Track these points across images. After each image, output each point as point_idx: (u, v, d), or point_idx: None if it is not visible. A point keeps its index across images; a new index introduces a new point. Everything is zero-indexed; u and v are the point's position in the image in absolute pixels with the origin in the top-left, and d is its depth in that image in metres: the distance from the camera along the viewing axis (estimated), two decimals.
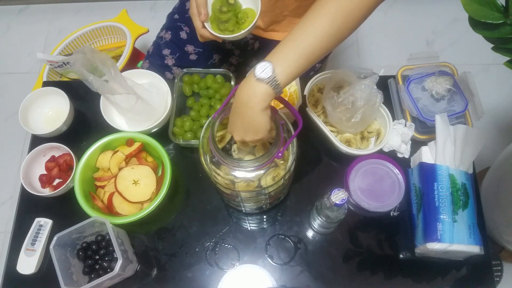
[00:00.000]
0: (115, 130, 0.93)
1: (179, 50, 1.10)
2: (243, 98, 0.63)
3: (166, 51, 1.10)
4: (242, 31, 0.80)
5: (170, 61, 1.10)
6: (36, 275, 0.87)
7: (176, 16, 1.11)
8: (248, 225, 0.92)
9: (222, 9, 0.83)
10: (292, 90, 0.95)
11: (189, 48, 1.09)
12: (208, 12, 0.83)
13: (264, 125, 0.65)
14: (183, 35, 1.09)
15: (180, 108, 1.00)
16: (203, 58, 1.10)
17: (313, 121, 0.93)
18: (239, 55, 1.12)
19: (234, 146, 0.79)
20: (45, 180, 0.94)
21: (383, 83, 1.01)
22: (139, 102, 0.89)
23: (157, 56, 1.12)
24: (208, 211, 0.92)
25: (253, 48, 1.11)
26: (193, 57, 1.10)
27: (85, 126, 1.02)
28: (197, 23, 0.82)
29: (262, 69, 0.61)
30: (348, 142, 0.93)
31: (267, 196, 0.80)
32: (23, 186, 0.91)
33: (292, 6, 0.96)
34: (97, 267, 0.84)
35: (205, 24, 0.82)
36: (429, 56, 0.96)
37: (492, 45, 0.71)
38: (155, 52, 1.13)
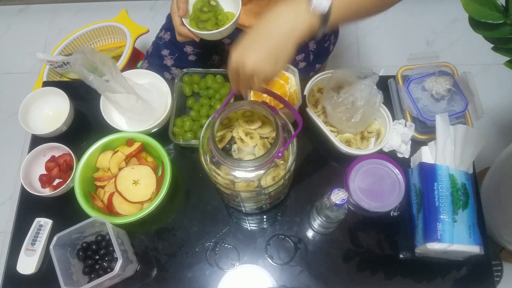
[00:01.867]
0: (115, 130, 0.93)
1: (178, 50, 1.10)
2: (285, 24, 0.57)
3: (165, 52, 1.10)
4: (220, 29, 0.80)
5: (169, 62, 1.10)
6: (36, 275, 0.87)
7: None
8: (248, 225, 0.92)
9: (203, 9, 0.84)
10: (292, 90, 0.95)
11: (188, 49, 1.09)
12: (189, 10, 0.83)
13: (289, 58, 0.59)
14: None
15: (180, 108, 1.00)
16: (202, 59, 1.10)
17: (313, 121, 0.93)
18: None
19: (234, 146, 0.79)
20: (45, 180, 0.94)
21: (383, 83, 1.01)
22: (139, 102, 0.89)
23: (156, 56, 1.12)
24: (208, 211, 0.92)
25: None
26: (192, 57, 1.10)
27: (85, 126, 1.02)
28: (176, 19, 0.81)
29: (321, 2, 0.56)
30: (348, 142, 0.93)
31: (267, 196, 0.80)
32: (23, 186, 0.91)
33: None
34: (97, 267, 0.84)
35: (184, 20, 0.81)
36: (429, 56, 0.96)
37: (492, 45, 0.71)
38: (154, 53, 1.13)
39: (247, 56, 0.58)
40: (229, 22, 0.82)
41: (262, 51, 0.58)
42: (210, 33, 0.81)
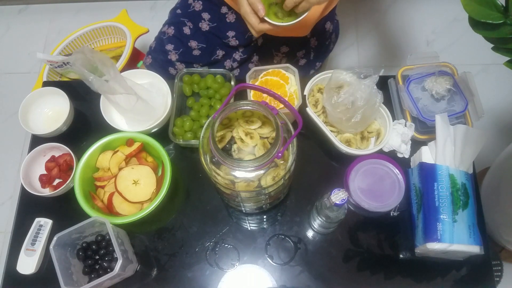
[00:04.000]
0: (115, 130, 0.93)
1: (183, 45, 1.09)
2: None
3: (169, 46, 1.10)
4: (301, 16, 0.77)
5: (173, 57, 1.10)
6: (36, 275, 0.87)
7: (179, 11, 1.11)
8: (248, 225, 0.92)
9: (270, 1, 0.79)
10: (292, 90, 0.95)
11: (193, 43, 1.09)
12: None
13: None
14: (187, 30, 1.08)
15: (180, 108, 1.00)
16: (206, 54, 1.10)
17: (313, 121, 0.93)
18: (243, 51, 1.11)
19: (234, 146, 0.79)
20: (45, 180, 0.94)
21: (383, 83, 1.01)
22: (139, 102, 0.89)
23: (160, 51, 1.11)
24: (208, 211, 0.92)
25: (257, 44, 1.11)
26: (196, 52, 1.09)
27: (85, 126, 1.02)
28: (253, 20, 0.79)
29: None
30: (348, 142, 0.93)
31: (267, 196, 0.80)
32: (23, 186, 0.91)
33: None
34: (97, 267, 0.84)
35: (265, 18, 0.78)
36: (429, 56, 0.96)
37: (492, 45, 0.71)
38: (158, 48, 1.12)
39: None
40: None
41: None
42: (295, 22, 0.78)
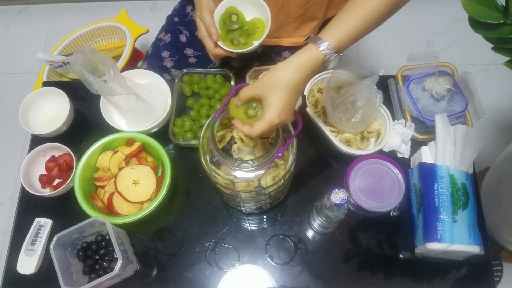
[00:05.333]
0: (115, 130, 0.93)
1: (178, 53, 1.09)
2: (306, 76, 0.63)
3: (165, 53, 1.10)
4: (255, 44, 0.80)
5: (168, 63, 1.10)
6: (36, 275, 0.87)
7: (176, 19, 1.11)
8: (248, 225, 0.92)
9: (229, 26, 0.83)
10: None
11: (188, 51, 1.09)
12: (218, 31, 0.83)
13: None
14: (183, 38, 1.09)
15: (180, 108, 1.00)
16: (202, 62, 1.10)
17: (313, 121, 0.93)
18: (240, 59, 1.12)
19: (234, 146, 0.79)
20: (45, 180, 0.94)
21: (383, 83, 1.01)
22: (139, 102, 0.89)
23: (155, 57, 1.12)
24: (208, 211, 0.92)
25: (256, 52, 1.11)
26: (192, 60, 1.10)
27: (85, 126, 1.02)
28: (208, 44, 0.82)
29: (332, 54, 0.62)
30: (348, 142, 0.93)
31: (267, 196, 0.80)
32: (23, 186, 0.91)
33: (297, 13, 0.94)
34: (97, 267, 0.84)
35: (218, 42, 0.81)
36: (429, 56, 0.96)
37: (492, 45, 0.71)
38: (153, 54, 1.13)
39: (288, 119, 0.66)
40: (260, 30, 0.82)
41: (293, 107, 0.66)
42: (248, 50, 0.81)
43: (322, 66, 0.64)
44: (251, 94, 0.65)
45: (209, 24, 0.80)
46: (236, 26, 0.83)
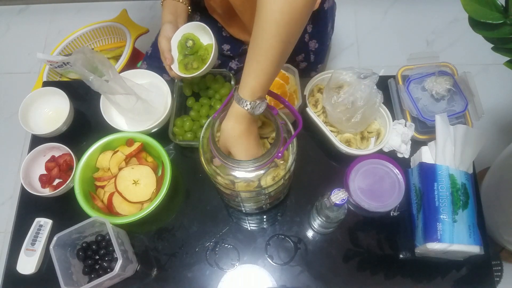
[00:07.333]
0: (115, 130, 0.93)
1: None
2: (246, 123, 0.67)
3: None
4: (202, 69, 0.87)
5: None
6: (36, 275, 0.87)
7: None
8: (248, 225, 0.92)
9: (185, 52, 0.91)
10: (292, 90, 0.95)
11: None
12: (174, 56, 0.92)
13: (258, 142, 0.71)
14: None
15: (180, 108, 1.00)
16: None
17: (313, 121, 0.93)
18: (239, 60, 1.13)
19: None
20: (45, 180, 0.94)
21: (383, 83, 1.01)
22: (139, 102, 0.89)
23: (155, 58, 1.12)
24: (208, 211, 0.92)
25: None
26: None
27: (85, 126, 1.02)
28: (167, 67, 0.91)
29: (254, 106, 0.65)
30: (348, 142, 0.93)
31: (267, 196, 0.80)
32: (23, 186, 0.91)
33: None
34: (97, 267, 0.84)
35: (172, 66, 0.90)
36: (429, 56, 0.96)
37: (492, 45, 0.71)
38: (153, 54, 1.13)
39: (259, 153, 0.71)
40: (210, 55, 0.87)
41: (256, 145, 0.71)
42: (196, 74, 0.88)
43: (254, 115, 0.67)
44: (221, 156, 0.69)
45: (163, 50, 0.90)
46: (188, 51, 0.90)
